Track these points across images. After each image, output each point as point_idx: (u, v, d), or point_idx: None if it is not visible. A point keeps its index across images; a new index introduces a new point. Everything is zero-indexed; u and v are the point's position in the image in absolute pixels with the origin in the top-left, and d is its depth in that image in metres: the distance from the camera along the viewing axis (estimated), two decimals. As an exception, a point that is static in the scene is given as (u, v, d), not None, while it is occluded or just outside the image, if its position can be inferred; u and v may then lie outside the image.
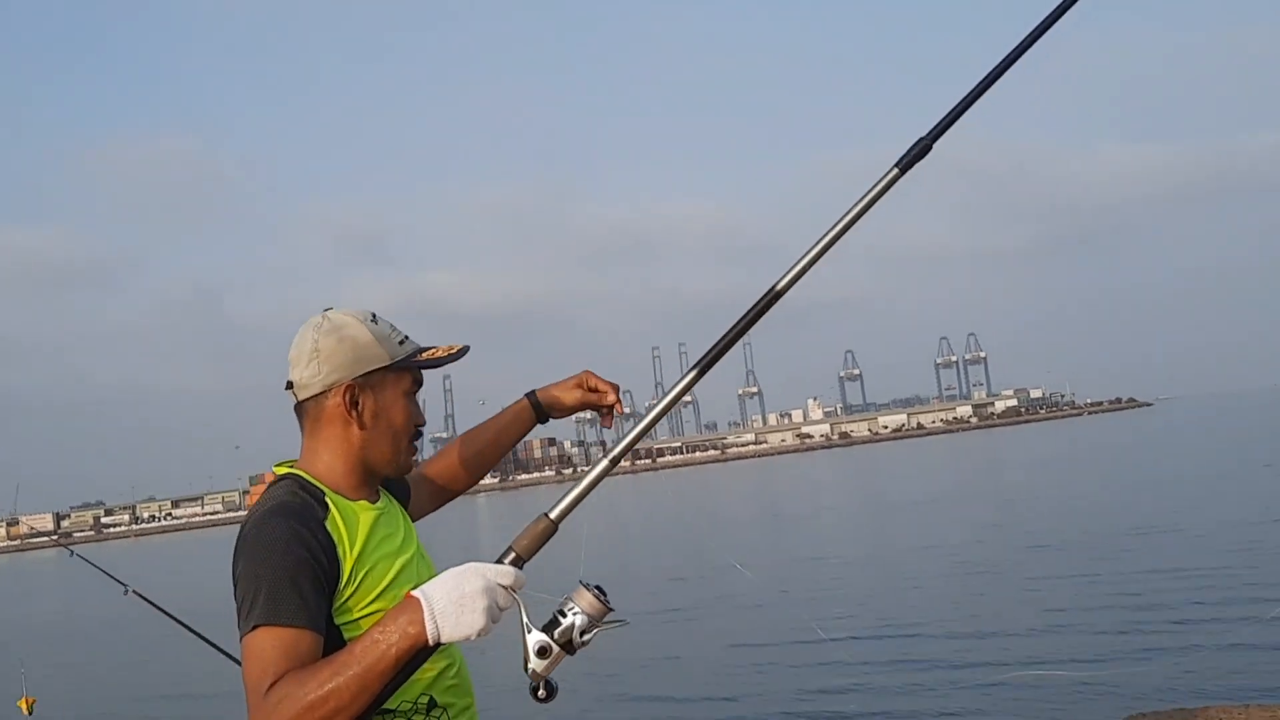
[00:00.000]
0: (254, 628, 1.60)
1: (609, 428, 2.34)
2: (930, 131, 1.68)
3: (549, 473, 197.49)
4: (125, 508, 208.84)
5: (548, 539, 1.63)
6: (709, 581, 17.74)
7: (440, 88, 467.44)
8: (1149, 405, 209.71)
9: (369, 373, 1.83)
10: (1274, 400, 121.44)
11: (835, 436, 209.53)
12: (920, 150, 1.67)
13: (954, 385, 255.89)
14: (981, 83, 1.70)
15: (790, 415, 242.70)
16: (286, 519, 1.68)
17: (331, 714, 1.50)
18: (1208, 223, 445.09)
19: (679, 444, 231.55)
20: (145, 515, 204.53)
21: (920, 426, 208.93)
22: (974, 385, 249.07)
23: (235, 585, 1.67)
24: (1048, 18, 1.73)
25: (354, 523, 1.77)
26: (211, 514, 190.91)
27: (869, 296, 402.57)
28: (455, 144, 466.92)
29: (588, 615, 1.59)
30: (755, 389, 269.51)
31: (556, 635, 1.57)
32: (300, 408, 1.86)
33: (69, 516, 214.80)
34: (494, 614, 1.54)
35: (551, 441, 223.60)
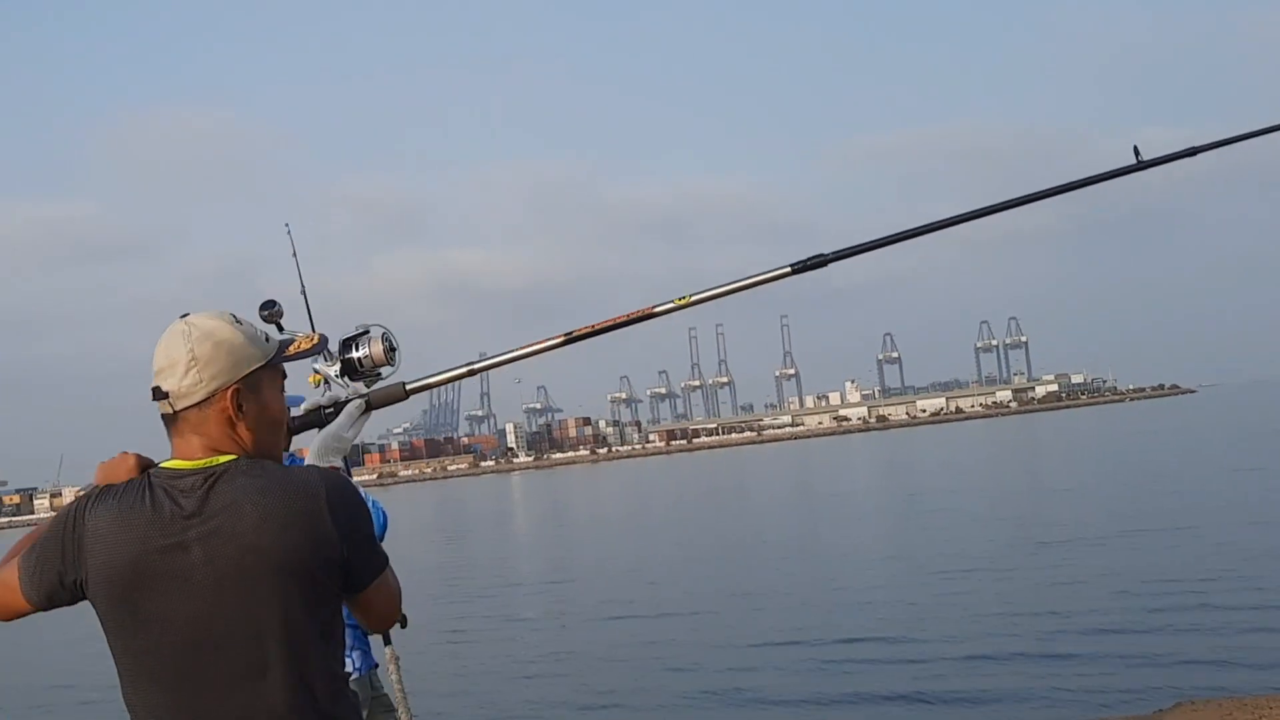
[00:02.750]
0: (387, 563, 2.02)
1: None
2: (832, 252, 2.29)
3: (583, 451, 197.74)
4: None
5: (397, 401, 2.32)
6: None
7: (470, 66, 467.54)
8: (1192, 392, 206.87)
9: (248, 374, 1.93)
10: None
11: (872, 419, 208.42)
12: (818, 263, 2.25)
13: (994, 370, 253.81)
14: (893, 236, 2.35)
15: (828, 397, 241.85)
16: None
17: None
18: (1252, 207, 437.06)
19: (715, 425, 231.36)
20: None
21: (959, 410, 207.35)
22: (1014, 371, 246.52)
23: (358, 527, 1.93)
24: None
25: None
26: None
27: (907, 278, 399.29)
28: (484, 123, 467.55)
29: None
30: (793, 370, 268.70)
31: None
32: (175, 415, 1.92)
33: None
34: None
35: (586, 421, 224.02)
